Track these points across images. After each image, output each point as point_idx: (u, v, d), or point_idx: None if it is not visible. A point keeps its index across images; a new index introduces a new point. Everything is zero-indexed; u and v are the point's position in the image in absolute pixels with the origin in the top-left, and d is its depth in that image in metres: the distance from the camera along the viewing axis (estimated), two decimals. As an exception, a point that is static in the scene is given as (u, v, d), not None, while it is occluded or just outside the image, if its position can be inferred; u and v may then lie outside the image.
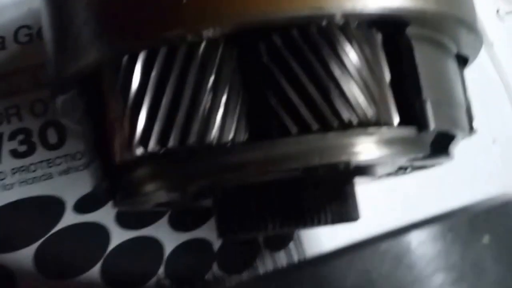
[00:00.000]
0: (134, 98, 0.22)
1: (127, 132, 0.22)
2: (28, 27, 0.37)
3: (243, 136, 0.21)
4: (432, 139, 0.24)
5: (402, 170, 0.28)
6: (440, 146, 0.24)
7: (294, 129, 0.21)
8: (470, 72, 0.30)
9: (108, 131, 0.23)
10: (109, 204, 0.37)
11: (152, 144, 0.21)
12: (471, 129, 0.26)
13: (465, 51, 0.26)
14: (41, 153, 0.36)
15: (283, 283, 0.16)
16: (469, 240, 0.17)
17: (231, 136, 0.21)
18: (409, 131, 0.22)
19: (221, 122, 0.21)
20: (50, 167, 0.36)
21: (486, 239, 0.18)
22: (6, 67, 0.37)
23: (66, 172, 0.36)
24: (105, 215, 0.36)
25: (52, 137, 0.36)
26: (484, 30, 0.40)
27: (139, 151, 0.22)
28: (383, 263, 0.16)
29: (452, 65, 0.25)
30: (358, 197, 0.28)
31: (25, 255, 0.35)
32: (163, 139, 0.21)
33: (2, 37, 0.37)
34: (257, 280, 0.17)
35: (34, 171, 0.36)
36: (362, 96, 0.21)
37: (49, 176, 0.36)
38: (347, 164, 0.22)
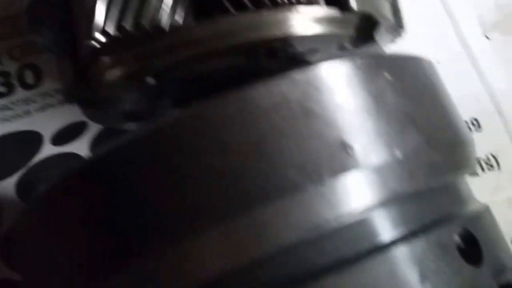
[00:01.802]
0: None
1: (88, 23, 0.25)
2: (4, -20, 0.40)
3: (190, 19, 0.25)
4: (357, 23, 0.27)
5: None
6: (366, 32, 0.27)
7: (232, 9, 0.24)
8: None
9: (74, 28, 0.26)
10: (84, 136, 0.40)
11: (109, 28, 0.24)
12: (399, 26, 0.29)
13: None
14: (19, 93, 0.39)
15: (210, 109, 0.19)
16: (372, 75, 0.21)
17: (180, 19, 0.25)
18: (334, 11, 0.25)
19: (172, 8, 0.24)
20: (28, 104, 0.39)
21: (387, 75, 0.21)
22: (-14, 17, 0.40)
23: (43, 109, 0.39)
24: (80, 146, 0.39)
25: (29, 78, 0.40)
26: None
27: (100, 37, 0.25)
28: (296, 87, 0.19)
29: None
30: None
31: (8, 184, 0.38)
32: (120, 24, 0.24)
33: (-19, -9, 0.40)
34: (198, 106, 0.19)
35: (13, 109, 0.39)
36: (290, -20, 0.24)
37: (28, 113, 0.39)
38: (282, 43, 0.25)
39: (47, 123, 0.39)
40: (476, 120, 0.39)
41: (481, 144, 0.39)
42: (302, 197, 0.19)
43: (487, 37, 0.41)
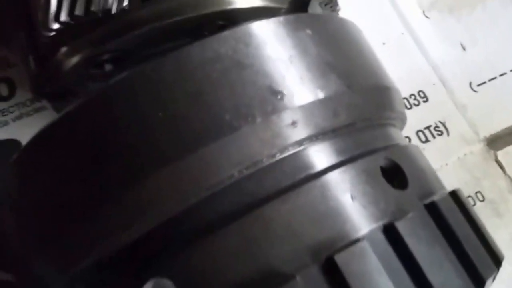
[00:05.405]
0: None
1: (44, 13, 0.27)
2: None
3: (136, 2, 0.27)
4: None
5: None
6: (300, 6, 0.30)
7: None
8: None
9: (32, 22, 0.29)
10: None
11: (63, 16, 0.27)
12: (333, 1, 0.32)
13: None
14: (-5, 105, 0.42)
15: (153, 67, 0.22)
16: (294, 30, 0.23)
17: (126, 3, 0.27)
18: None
19: (118, -7, 0.27)
20: (5, 115, 0.42)
21: (309, 31, 0.23)
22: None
23: (19, 117, 0.42)
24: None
25: (4, 91, 0.42)
26: None
27: (54, 25, 0.27)
28: (227, 43, 0.22)
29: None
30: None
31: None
32: (71, 11, 0.27)
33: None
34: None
35: (-9, 120, 0.41)
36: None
37: (5, 123, 0.42)
38: (227, 16, 0.28)
39: (25, 130, 0.41)
40: (422, 92, 0.42)
41: (429, 114, 0.42)
42: (238, 136, 0.21)
43: (426, 16, 0.44)
